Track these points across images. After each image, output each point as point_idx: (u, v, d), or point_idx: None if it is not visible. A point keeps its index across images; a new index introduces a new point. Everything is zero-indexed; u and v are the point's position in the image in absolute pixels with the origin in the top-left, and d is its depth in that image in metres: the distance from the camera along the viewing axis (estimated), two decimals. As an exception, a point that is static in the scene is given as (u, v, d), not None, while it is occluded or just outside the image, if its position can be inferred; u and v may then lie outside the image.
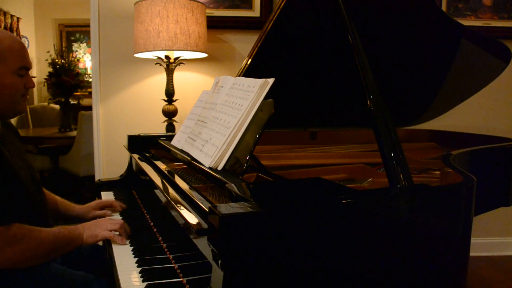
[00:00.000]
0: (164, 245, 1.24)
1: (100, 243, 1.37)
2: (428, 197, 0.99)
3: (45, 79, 4.66)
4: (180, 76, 2.62)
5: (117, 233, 1.29)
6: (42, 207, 1.34)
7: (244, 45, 2.64)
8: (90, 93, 2.81)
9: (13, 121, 5.35)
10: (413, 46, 1.74)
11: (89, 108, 3.14)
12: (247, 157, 1.11)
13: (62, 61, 4.36)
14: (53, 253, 1.22)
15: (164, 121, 2.46)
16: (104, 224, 1.31)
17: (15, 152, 1.28)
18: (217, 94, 1.43)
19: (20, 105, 1.28)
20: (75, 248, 1.26)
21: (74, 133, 4.11)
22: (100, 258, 1.47)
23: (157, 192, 1.42)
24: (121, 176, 1.96)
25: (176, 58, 2.39)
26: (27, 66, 1.27)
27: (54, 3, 6.48)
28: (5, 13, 5.32)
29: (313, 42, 1.67)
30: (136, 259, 1.16)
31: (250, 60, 1.68)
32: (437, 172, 1.58)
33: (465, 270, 1.05)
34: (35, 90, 6.19)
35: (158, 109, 2.50)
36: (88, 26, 2.62)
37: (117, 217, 1.55)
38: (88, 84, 5.01)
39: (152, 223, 1.43)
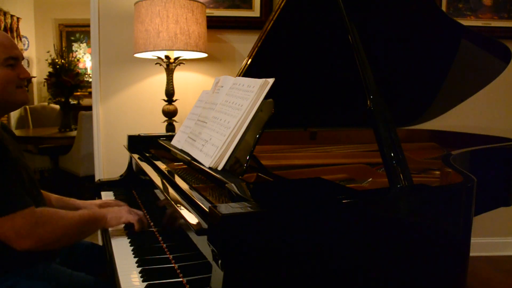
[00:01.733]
0: (164, 245, 1.24)
1: (100, 243, 1.38)
2: (428, 197, 0.99)
3: (45, 79, 4.65)
4: (180, 76, 2.62)
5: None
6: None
7: (244, 45, 2.64)
8: (90, 93, 2.81)
9: (13, 121, 5.36)
10: (413, 46, 1.74)
11: (89, 108, 3.14)
12: (247, 157, 1.11)
13: (62, 61, 4.35)
14: (81, 233, 1.27)
15: (164, 121, 2.46)
16: (127, 209, 1.38)
17: (13, 153, 1.29)
18: (217, 94, 1.43)
19: (18, 96, 1.29)
20: (100, 228, 1.34)
21: (74, 133, 4.11)
22: (99, 259, 1.47)
23: (157, 192, 1.42)
24: (121, 176, 1.96)
25: (176, 58, 2.39)
26: (14, 57, 1.26)
27: (54, 3, 6.47)
28: (5, 13, 5.32)
29: (313, 42, 1.67)
30: (136, 259, 1.16)
31: (250, 60, 1.68)
32: (437, 172, 1.58)
33: (465, 270, 1.05)
34: (35, 90, 6.19)
35: (158, 109, 2.50)
36: (88, 26, 2.62)
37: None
38: (88, 84, 5.00)
39: (152, 223, 1.43)
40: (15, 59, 1.27)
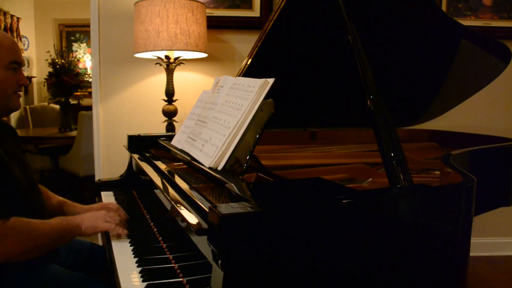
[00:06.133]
0: (164, 245, 1.24)
1: (100, 242, 1.37)
2: (428, 197, 0.99)
3: (45, 79, 4.65)
4: (180, 76, 2.62)
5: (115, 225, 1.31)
6: (38, 206, 1.34)
7: (244, 45, 2.64)
8: (90, 93, 2.81)
9: (13, 121, 5.36)
10: (413, 46, 1.74)
11: (89, 108, 3.14)
12: (247, 157, 1.11)
13: (62, 61, 4.35)
14: (53, 244, 1.22)
15: (164, 121, 2.46)
16: (103, 216, 1.32)
17: (9, 151, 1.28)
18: (217, 94, 1.43)
19: (13, 101, 1.30)
20: (74, 237, 1.27)
21: (74, 133, 4.11)
22: (99, 259, 1.47)
23: (157, 192, 1.42)
24: (121, 176, 1.96)
25: (176, 58, 2.39)
26: (18, 61, 1.28)
27: (54, 3, 6.48)
28: (5, 13, 5.32)
29: (313, 42, 1.67)
30: (136, 259, 1.16)
31: (250, 60, 1.68)
32: (437, 172, 1.58)
33: (465, 270, 1.05)
34: (35, 90, 6.19)
35: (158, 109, 2.50)
36: (88, 26, 2.62)
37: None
38: (88, 84, 5.01)
39: (152, 223, 1.43)
40: (18, 64, 1.29)
